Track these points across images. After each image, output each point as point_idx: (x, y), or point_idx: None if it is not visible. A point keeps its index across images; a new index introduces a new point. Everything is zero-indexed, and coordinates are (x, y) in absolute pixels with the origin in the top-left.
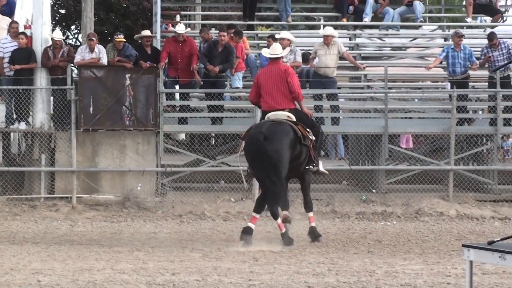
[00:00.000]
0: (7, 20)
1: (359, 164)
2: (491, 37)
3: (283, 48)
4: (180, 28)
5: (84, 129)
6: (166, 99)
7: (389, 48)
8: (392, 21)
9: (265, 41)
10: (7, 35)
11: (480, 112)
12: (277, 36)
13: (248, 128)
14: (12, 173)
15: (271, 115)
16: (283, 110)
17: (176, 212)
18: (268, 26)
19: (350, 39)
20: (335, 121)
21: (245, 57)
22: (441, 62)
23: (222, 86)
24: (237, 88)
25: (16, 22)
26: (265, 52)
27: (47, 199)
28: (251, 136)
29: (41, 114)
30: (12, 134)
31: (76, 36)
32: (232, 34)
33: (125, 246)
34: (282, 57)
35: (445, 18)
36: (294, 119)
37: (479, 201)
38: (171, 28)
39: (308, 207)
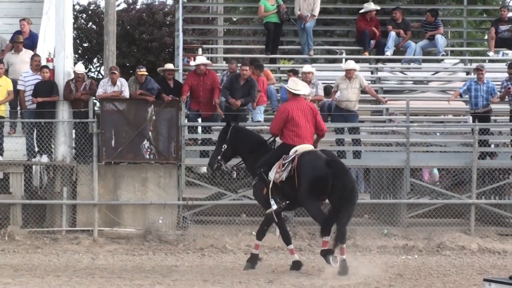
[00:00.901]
0: (30, 53)
1: (381, 198)
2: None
3: (306, 82)
4: (199, 59)
5: (106, 162)
6: (188, 132)
7: (411, 82)
8: (414, 54)
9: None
10: (29, 68)
11: (502, 146)
12: (304, 70)
13: (291, 158)
14: (34, 206)
15: (300, 148)
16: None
17: (198, 245)
18: (290, 60)
19: (372, 72)
20: (356, 154)
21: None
22: (460, 95)
23: (244, 120)
24: (259, 121)
25: (38, 56)
26: (290, 88)
27: (69, 232)
28: (338, 168)
29: (63, 147)
30: (34, 167)
31: (98, 69)
32: (253, 68)
33: (147, 279)
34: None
35: (467, 52)
36: None
37: (501, 235)
38: (192, 62)
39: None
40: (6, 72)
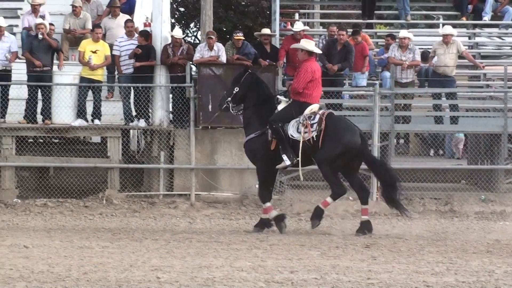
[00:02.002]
0: (127, 18)
1: (478, 163)
2: None
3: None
4: (299, 25)
5: (203, 127)
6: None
7: (509, 47)
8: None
9: (383, 40)
10: (124, 33)
11: None
12: (401, 35)
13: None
14: (132, 170)
15: (315, 107)
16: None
17: (294, 210)
18: (387, 25)
19: (469, 38)
20: (454, 120)
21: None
22: None
23: (341, 85)
24: (362, 86)
25: (131, 21)
26: (306, 47)
27: (166, 196)
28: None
29: (160, 112)
30: (131, 131)
31: (195, 34)
32: (350, 33)
33: (244, 244)
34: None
35: None
36: None
37: None
38: (289, 27)
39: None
40: (104, 37)
